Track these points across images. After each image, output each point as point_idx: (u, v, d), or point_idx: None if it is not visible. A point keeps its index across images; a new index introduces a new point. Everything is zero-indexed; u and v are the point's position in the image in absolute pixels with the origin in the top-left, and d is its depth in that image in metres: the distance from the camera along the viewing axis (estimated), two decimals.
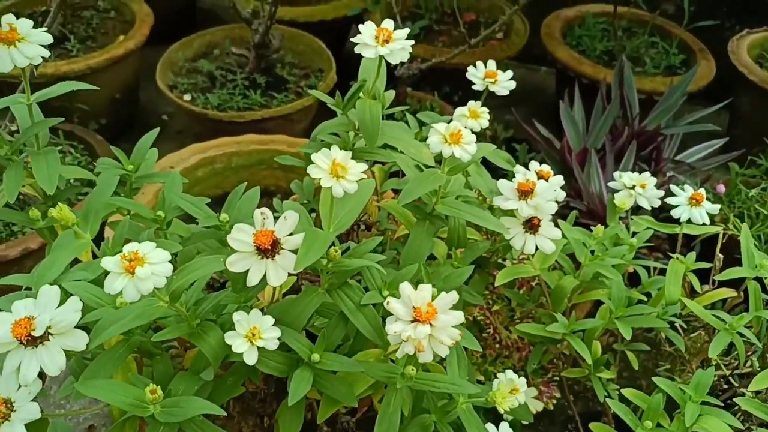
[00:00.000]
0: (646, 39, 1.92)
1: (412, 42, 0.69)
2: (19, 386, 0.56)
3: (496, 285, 0.81)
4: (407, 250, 0.76)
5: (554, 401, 1.05)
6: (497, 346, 1.01)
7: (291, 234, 0.59)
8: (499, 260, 0.99)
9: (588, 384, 1.03)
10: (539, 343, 0.92)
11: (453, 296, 0.59)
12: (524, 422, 0.89)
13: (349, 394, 0.65)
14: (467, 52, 1.68)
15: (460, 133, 0.66)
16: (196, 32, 1.80)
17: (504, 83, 0.95)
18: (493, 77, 0.95)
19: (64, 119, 0.73)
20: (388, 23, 0.69)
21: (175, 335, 0.58)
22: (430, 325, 0.57)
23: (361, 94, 0.75)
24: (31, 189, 0.77)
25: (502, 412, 0.65)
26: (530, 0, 1.61)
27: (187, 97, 1.63)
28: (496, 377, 0.93)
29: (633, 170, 1.37)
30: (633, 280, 1.01)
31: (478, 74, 0.96)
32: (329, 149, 0.58)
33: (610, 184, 1.00)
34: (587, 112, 1.55)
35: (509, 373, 0.80)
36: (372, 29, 0.69)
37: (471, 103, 0.85)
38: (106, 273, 0.53)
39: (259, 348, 0.57)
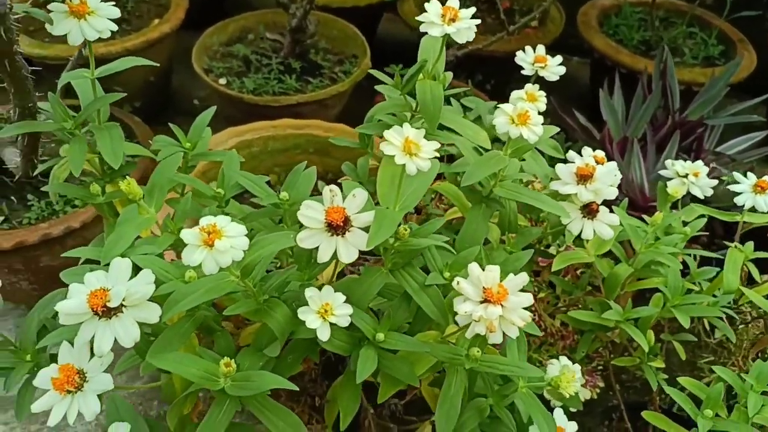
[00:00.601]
0: (684, 29, 1.88)
1: (478, 21, 0.68)
2: (91, 357, 0.57)
3: (553, 269, 0.80)
4: (463, 233, 0.76)
5: (597, 391, 1.05)
6: (542, 333, 1.00)
7: (359, 212, 0.59)
8: (542, 248, 0.99)
9: (634, 374, 1.02)
10: (588, 331, 0.91)
11: (523, 278, 0.59)
12: (572, 410, 0.88)
13: (410, 374, 0.65)
14: (504, 40, 1.67)
15: (527, 113, 0.65)
16: (228, 18, 1.79)
17: (553, 68, 0.94)
18: (543, 62, 0.93)
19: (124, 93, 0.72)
20: (454, 1, 0.68)
21: (243, 310, 0.58)
22: (501, 306, 0.57)
23: (420, 74, 0.74)
24: (87, 165, 0.77)
25: (567, 396, 0.64)
26: None
27: (222, 81, 1.63)
28: (541, 364, 0.92)
29: (676, 160, 1.35)
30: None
31: (527, 59, 0.95)
32: (389, 129, 0.57)
33: (662, 172, 0.99)
34: (626, 101, 1.53)
35: (563, 359, 0.79)
36: (438, 7, 0.68)
37: (528, 86, 0.84)
38: (183, 246, 0.53)
39: (331, 324, 0.57)
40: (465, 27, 0.66)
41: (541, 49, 0.95)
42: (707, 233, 1.33)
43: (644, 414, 0.81)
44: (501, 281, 0.58)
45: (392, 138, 0.56)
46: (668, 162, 0.98)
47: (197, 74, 1.66)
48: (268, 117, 1.49)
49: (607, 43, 1.79)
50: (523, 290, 0.59)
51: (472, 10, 0.69)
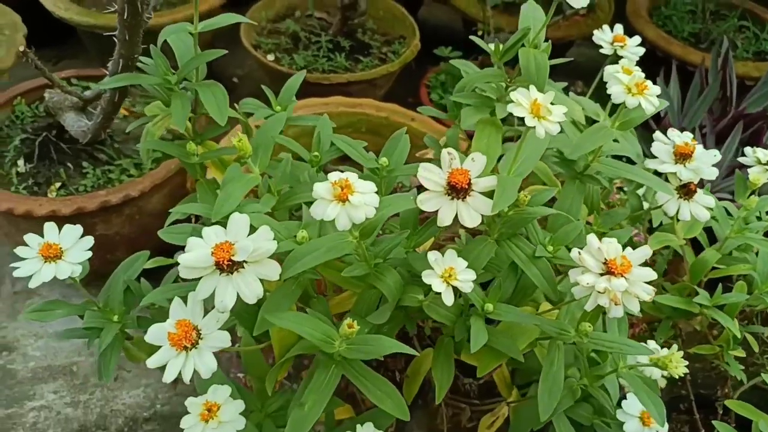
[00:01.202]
0: (735, 23, 1.85)
1: None
2: (205, 314, 0.56)
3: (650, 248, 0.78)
4: (557, 209, 0.74)
5: (664, 381, 1.03)
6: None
7: (479, 176, 0.57)
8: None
9: (703, 367, 1.00)
10: (666, 318, 0.90)
11: (645, 251, 0.57)
12: None
13: (513, 347, 0.63)
14: (554, 26, 1.65)
15: (645, 82, 0.64)
16: None
17: (632, 48, 0.92)
18: (622, 41, 0.91)
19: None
20: None
21: (359, 273, 0.57)
22: (625, 278, 0.55)
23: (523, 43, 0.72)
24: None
25: (676, 377, 0.63)
26: None
27: (270, 57, 1.61)
28: None
29: (737, 151, 1.33)
30: None
31: (605, 38, 0.93)
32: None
33: (742, 159, 0.96)
34: (682, 92, 1.51)
35: (651, 343, 0.78)
36: None
37: (623, 60, 0.82)
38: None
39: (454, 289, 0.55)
40: None
41: (619, 28, 0.93)
42: None
43: (728, 403, 0.79)
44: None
45: (521, 99, 0.55)
46: (748, 149, 0.96)
47: (237, 51, 1.64)
48: (316, 95, 1.47)
49: (659, 33, 1.77)
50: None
51: None
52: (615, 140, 0.83)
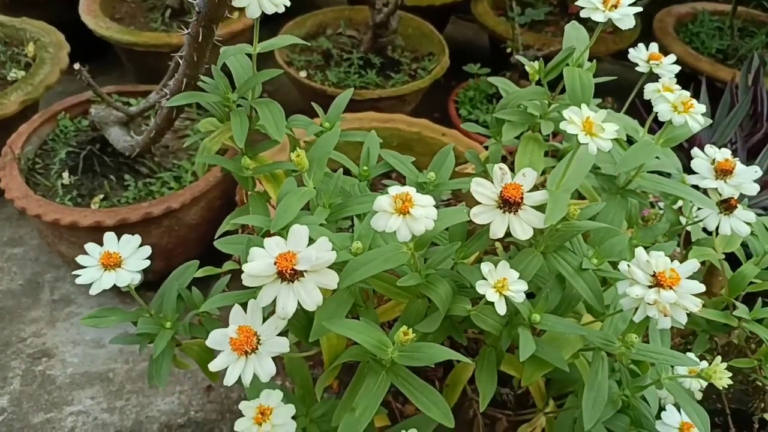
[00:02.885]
0: (764, 39, 1.86)
1: (639, 9, 0.68)
2: (264, 320, 0.58)
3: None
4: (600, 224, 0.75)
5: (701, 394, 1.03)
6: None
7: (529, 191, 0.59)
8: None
9: (740, 381, 1.00)
10: (703, 331, 0.90)
11: (693, 264, 0.58)
12: None
13: (559, 358, 0.65)
14: None
15: (691, 101, 0.65)
16: (297, 15, 1.82)
17: (668, 66, 0.93)
18: (657, 59, 0.93)
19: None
20: None
21: (412, 283, 0.59)
22: (674, 290, 0.57)
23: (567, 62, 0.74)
24: (229, 141, 0.79)
25: (720, 388, 0.63)
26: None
27: (302, 74, 1.65)
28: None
29: None
30: None
31: (641, 56, 0.94)
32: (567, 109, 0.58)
33: None
34: (712, 106, 1.51)
35: (690, 356, 0.79)
36: None
37: (663, 78, 0.84)
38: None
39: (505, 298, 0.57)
40: (627, 13, 0.67)
41: (654, 46, 0.94)
42: None
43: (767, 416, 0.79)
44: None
45: (573, 117, 0.56)
46: None
47: (267, 67, 1.69)
48: (348, 110, 1.50)
49: (686, 50, 1.78)
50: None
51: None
52: (657, 158, 0.84)
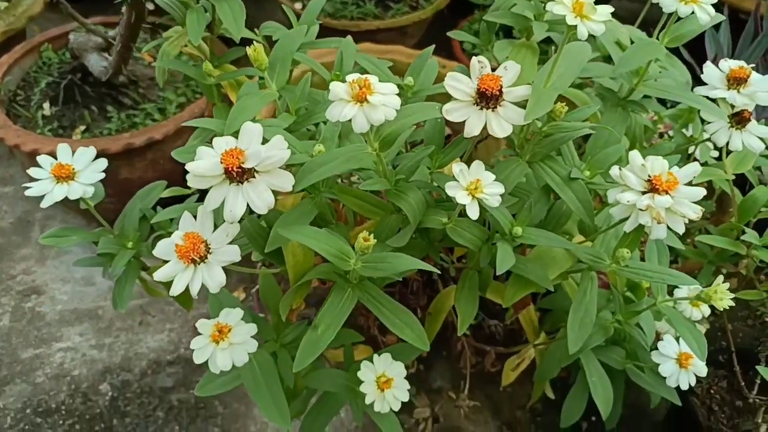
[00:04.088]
0: None
1: None
2: (215, 228, 0.53)
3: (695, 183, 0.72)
4: (596, 138, 0.69)
5: (703, 331, 0.98)
6: None
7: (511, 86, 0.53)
8: None
9: (746, 320, 0.95)
10: (708, 262, 0.84)
11: (695, 168, 0.52)
12: None
13: (544, 276, 0.59)
14: None
15: None
16: None
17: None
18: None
19: None
20: None
21: (378, 188, 0.53)
22: (670, 195, 0.50)
23: None
24: (192, 49, 0.73)
25: (689, 309, 0.58)
26: None
27: (298, 5, 1.57)
28: None
29: None
30: None
31: None
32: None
33: None
34: (734, 38, 1.41)
35: (720, 279, 0.73)
36: None
37: None
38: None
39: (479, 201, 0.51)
40: None
41: None
42: None
43: None
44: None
45: None
46: None
47: (265, 4, 1.60)
48: None
49: None
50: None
51: None
52: (663, 68, 0.77)
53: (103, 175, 0.66)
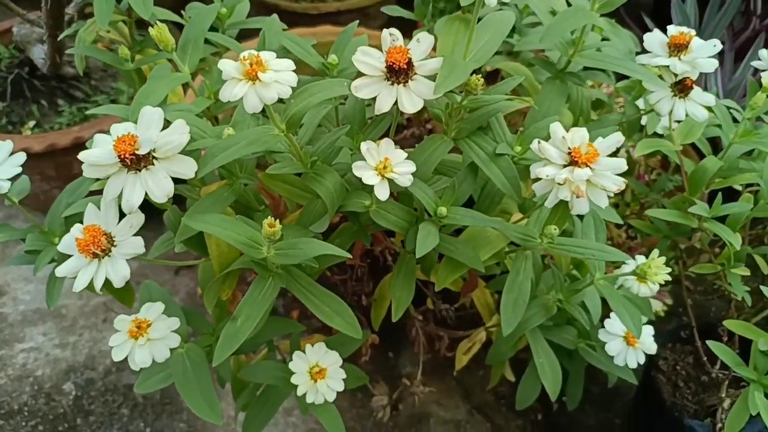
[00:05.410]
0: None
1: None
2: (120, 220, 0.51)
3: (636, 155, 0.70)
4: (534, 113, 0.66)
5: (665, 308, 0.97)
6: (607, 243, 0.92)
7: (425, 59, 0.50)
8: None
9: (707, 294, 0.93)
10: (664, 237, 0.82)
11: (617, 138, 0.50)
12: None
13: (475, 258, 0.57)
14: None
15: None
16: None
17: None
18: None
19: None
20: None
21: (290, 171, 0.51)
22: (590, 168, 0.48)
23: None
24: (115, 35, 0.70)
25: (637, 286, 0.56)
26: None
27: None
28: None
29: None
30: None
31: None
32: None
33: (755, 63, 0.86)
34: (699, 8, 1.38)
35: (640, 258, 0.71)
36: None
37: None
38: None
39: (390, 182, 0.49)
40: None
41: None
42: None
43: (726, 323, 0.72)
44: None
45: None
46: (762, 52, 0.86)
47: None
48: (306, 26, 1.40)
49: None
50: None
51: None
52: (605, 39, 0.74)
53: (20, 170, 0.63)
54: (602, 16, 0.69)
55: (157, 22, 0.52)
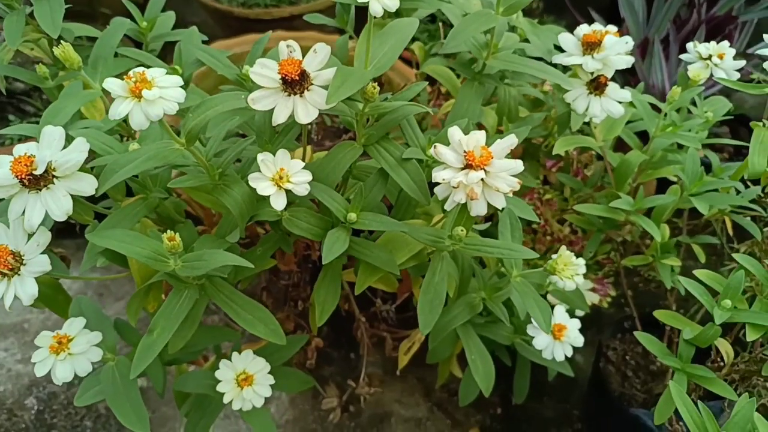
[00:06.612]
0: None
1: None
2: (29, 239, 0.51)
3: (554, 152, 0.71)
4: (453, 114, 0.68)
5: (608, 300, 0.98)
6: (548, 239, 0.93)
7: (322, 69, 0.51)
8: (548, 149, 0.90)
9: (649, 285, 0.95)
10: (597, 230, 0.84)
11: (511, 140, 0.51)
12: (579, 314, 0.82)
13: (390, 261, 0.58)
14: None
15: None
16: None
17: None
18: None
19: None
20: None
21: (194, 184, 0.52)
22: (485, 170, 0.49)
23: None
24: (39, 52, 0.70)
25: (562, 281, 0.57)
26: None
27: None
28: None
29: None
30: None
31: None
32: None
33: (683, 56, 0.88)
34: (648, 1, 1.40)
35: (563, 249, 0.72)
36: None
37: None
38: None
39: (288, 192, 0.50)
40: None
41: None
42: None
43: (656, 313, 0.73)
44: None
45: None
46: (689, 45, 0.88)
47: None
48: (259, 31, 1.40)
49: None
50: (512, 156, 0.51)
51: None
52: (526, 40, 0.75)
53: None
54: (548, 15, 0.71)
55: (62, 41, 0.52)
